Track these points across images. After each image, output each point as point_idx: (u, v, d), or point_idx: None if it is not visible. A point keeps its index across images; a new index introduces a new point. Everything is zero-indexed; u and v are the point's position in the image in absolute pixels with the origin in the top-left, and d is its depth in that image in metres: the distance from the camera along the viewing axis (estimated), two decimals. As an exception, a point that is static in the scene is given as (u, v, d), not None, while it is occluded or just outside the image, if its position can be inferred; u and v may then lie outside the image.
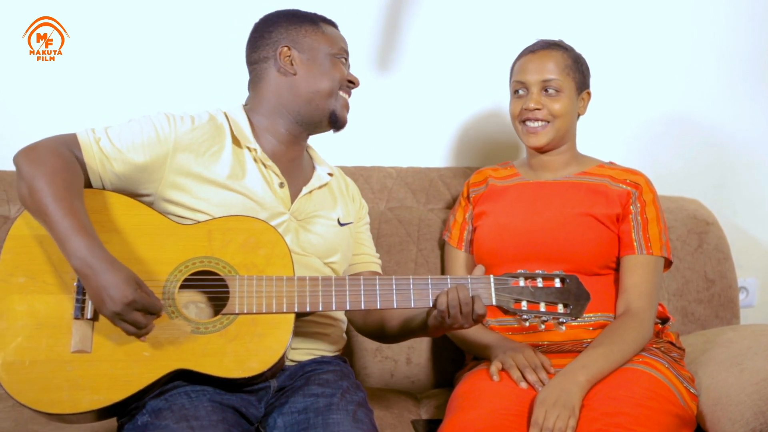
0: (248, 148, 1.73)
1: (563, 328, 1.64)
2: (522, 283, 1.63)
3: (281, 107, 1.76)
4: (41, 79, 2.32)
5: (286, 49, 1.75)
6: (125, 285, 1.47)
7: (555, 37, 2.04)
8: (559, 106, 1.95)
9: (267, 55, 1.76)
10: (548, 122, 1.96)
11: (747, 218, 2.62)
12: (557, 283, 1.64)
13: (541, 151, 2.01)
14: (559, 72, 1.96)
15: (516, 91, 2.00)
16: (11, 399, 1.51)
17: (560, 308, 1.63)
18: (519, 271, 1.65)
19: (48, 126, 2.26)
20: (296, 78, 1.75)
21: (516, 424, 1.67)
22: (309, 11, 1.82)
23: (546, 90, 1.95)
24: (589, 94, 2.03)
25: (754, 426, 1.67)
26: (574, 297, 1.63)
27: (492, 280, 1.63)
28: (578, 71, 1.99)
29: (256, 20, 1.83)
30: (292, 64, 1.75)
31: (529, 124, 1.97)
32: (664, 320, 1.99)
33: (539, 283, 1.63)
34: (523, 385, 1.74)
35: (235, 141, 1.73)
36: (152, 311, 1.51)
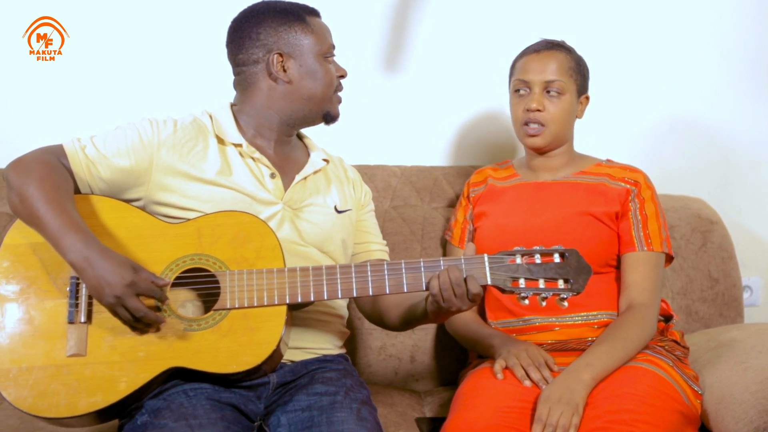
0: (233, 144, 1.73)
1: (565, 304, 1.59)
2: (519, 260, 1.59)
3: (273, 110, 1.75)
4: (41, 79, 2.33)
5: (278, 56, 1.72)
6: (122, 268, 1.49)
7: (558, 38, 2.04)
8: (559, 109, 1.94)
9: (256, 58, 1.73)
10: (546, 126, 1.95)
11: (751, 217, 2.62)
12: (556, 258, 1.59)
13: (540, 152, 2.01)
14: (562, 73, 1.94)
15: (517, 90, 1.98)
16: (10, 406, 1.52)
17: (560, 284, 1.58)
18: (515, 248, 1.61)
19: (48, 126, 2.29)
20: (290, 86, 1.73)
21: (519, 422, 1.67)
22: (292, 2, 1.77)
23: (548, 91, 1.94)
24: (587, 98, 2.02)
25: (758, 424, 1.67)
26: (575, 271, 1.58)
27: (486, 258, 1.59)
28: (580, 74, 1.98)
29: (236, 15, 1.78)
30: (285, 71, 1.73)
31: (529, 128, 1.95)
32: (667, 318, 1.99)
33: (537, 259, 1.59)
34: (527, 383, 1.74)
35: (219, 139, 1.73)
36: (154, 296, 1.52)
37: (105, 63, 2.34)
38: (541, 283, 1.58)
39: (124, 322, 1.54)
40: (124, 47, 2.35)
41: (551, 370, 1.77)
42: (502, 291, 1.60)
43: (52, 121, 2.33)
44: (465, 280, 1.56)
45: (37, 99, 2.34)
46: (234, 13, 1.78)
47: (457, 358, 2.17)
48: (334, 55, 1.79)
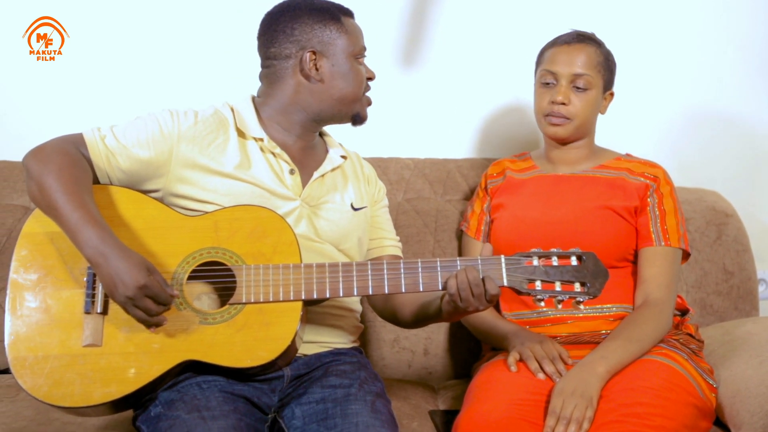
0: (254, 138, 1.73)
1: (582, 307, 1.60)
2: (536, 262, 1.59)
3: (299, 107, 1.75)
4: (41, 79, 2.33)
5: (311, 54, 1.72)
6: (137, 270, 1.49)
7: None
8: (584, 104, 1.93)
9: (288, 53, 1.73)
10: (570, 120, 1.94)
11: (766, 210, 2.61)
12: (573, 261, 1.58)
13: (561, 142, 2.00)
14: (590, 67, 1.93)
15: (544, 82, 1.97)
16: (26, 395, 1.53)
17: (577, 287, 1.57)
18: (533, 249, 1.61)
19: (48, 126, 2.27)
20: (321, 85, 1.73)
21: (533, 414, 1.67)
22: (328, 1, 1.77)
23: (575, 84, 1.93)
24: (612, 94, 2.01)
25: (773, 418, 1.67)
26: (592, 275, 1.58)
27: (503, 260, 1.59)
28: (608, 69, 1.97)
29: (271, 8, 1.78)
30: (317, 70, 1.72)
31: (552, 118, 1.94)
32: (683, 312, 1.98)
33: (554, 261, 1.59)
34: (541, 376, 1.74)
35: (240, 133, 1.73)
36: (162, 302, 1.52)
37: (105, 63, 2.34)
38: (558, 286, 1.58)
39: (135, 317, 1.54)
40: (124, 47, 2.35)
41: (565, 363, 1.76)
42: (518, 293, 1.60)
43: (53, 121, 2.31)
44: (483, 280, 1.56)
45: (37, 99, 2.34)
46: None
47: (470, 350, 2.17)
48: (365, 57, 1.79)
